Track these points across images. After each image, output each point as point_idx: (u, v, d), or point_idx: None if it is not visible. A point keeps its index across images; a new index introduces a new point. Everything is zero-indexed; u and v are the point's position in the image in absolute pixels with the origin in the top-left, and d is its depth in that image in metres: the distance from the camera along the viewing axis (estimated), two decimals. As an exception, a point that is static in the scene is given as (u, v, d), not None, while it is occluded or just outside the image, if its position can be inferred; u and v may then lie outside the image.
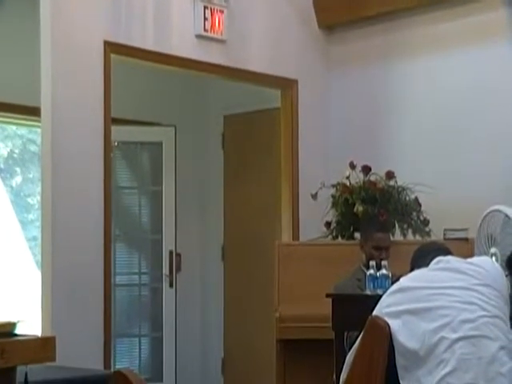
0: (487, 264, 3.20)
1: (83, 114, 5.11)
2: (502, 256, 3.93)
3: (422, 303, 2.98)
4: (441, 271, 3.15)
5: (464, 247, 4.55)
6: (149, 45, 5.45)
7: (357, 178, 5.50)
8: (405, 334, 2.94)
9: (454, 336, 2.87)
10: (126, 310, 6.76)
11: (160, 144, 6.89)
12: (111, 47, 5.23)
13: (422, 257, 3.50)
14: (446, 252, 3.44)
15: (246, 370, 6.77)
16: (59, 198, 4.94)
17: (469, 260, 3.24)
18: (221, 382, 7.02)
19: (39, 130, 5.26)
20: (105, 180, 5.19)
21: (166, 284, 6.77)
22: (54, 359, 3.25)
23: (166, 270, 6.77)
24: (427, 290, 3.02)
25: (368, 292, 4.04)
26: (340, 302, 4.11)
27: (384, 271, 4.01)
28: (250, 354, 6.74)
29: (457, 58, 5.85)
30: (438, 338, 2.88)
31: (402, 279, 3.18)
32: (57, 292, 4.86)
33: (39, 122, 5.15)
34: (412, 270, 3.46)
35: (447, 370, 2.82)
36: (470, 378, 2.81)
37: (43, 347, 3.21)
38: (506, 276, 3.45)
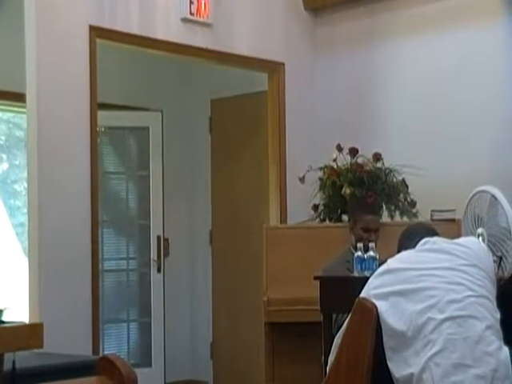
0: (474, 244, 3.20)
1: (69, 100, 5.08)
2: (489, 236, 3.94)
3: (409, 284, 2.98)
4: (427, 252, 3.15)
5: (451, 228, 4.56)
6: (134, 29, 5.41)
7: (344, 160, 5.49)
8: (392, 315, 2.94)
9: (441, 316, 2.87)
10: (114, 295, 6.75)
11: (147, 129, 6.89)
12: (96, 32, 5.20)
13: (408, 238, 3.51)
14: (433, 233, 3.45)
15: (234, 354, 6.78)
16: (45, 184, 4.92)
17: (455, 241, 3.24)
18: (210, 367, 7.04)
19: (25, 116, 5.22)
20: (91, 165, 5.17)
21: (154, 269, 6.78)
22: (41, 346, 3.24)
23: (153, 255, 6.78)
24: (414, 272, 3.03)
25: (356, 274, 4.04)
26: (328, 284, 4.10)
27: (371, 253, 4.01)
28: (238, 338, 6.75)
29: (443, 38, 5.84)
30: (425, 319, 2.88)
31: (389, 261, 3.18)
32: (44, 278, 4.84)
33: (25, 108, 5.11)
34: (399, 251, 3.47)
35: (434, 350, 2.83)
36: (456, 357, 2.82)
37: (31, 334, 3.19)
38: (494, 262, 3.47)
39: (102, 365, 2.36)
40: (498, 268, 3.73)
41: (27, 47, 4.94)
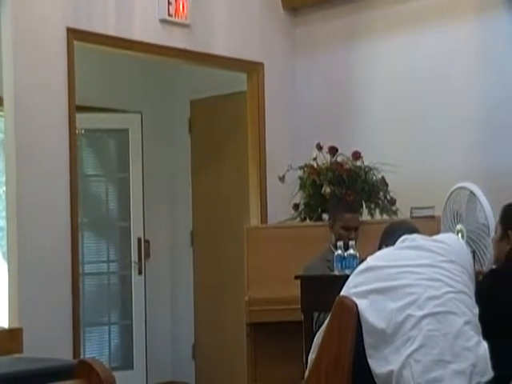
0: (452, 240, 3.22)
1: (47, 103, 5.05)
2: (468, 232, 3.96)
3: (389, 282, 2.99)
4: (406, 249, 3.16)
5: (430, 225, 4.57)
6: (112, 31, 5.39)
7: (324, 159, 5.50)
8: (372, 313, 2.94)
9: (421, 313, 2.88)
10: (95, 298, 6.73)
11: (126, 131, 6.86)
12: (74, 34, 5.18)
13: (389, 236, 3.53)
14: (414, 231, 3.46)
15: (216, 355, 6.76)
16: (24, 188, 4.89)
17: (434, 237, 3.25)
18: (192, 368, 7.02)
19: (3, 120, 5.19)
20: (71, 168, 5.14)
21: (134, 271, 6.76)
22: (21, 351, 3.22)
23: (134, 258, 6.75)
24: (393, 269, 3.03)
25: (336, 272, 4.04)
26: (308, 283, 4.11)
27: (351, 251, 4.02)
28: (220, 338, 6.74)
29: (421, 37, 5.85)
30: (405, 316, 2.89)
31: (368, 258, 3.19)
32: (24, 283, 4.81)
33: (2, 111, 5.08)
34: (380, 248, 3.49)
35: (414, 346, 2.84)
36: (436, 353, 2.82)
37: (10, 339, 3.17)
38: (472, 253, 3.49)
39: (80, 368, 2.34)
40: (474, 262, 3.75)
41: (4, 50, 4.92)
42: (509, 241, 3.48)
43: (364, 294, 2.99)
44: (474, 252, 3.84)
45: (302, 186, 5.49)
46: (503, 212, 3.60)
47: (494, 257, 3.59)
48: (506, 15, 5.48)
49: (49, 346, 4.70)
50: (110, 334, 6.78)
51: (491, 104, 5.51)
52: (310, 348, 3.20)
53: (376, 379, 2.90)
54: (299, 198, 5.54)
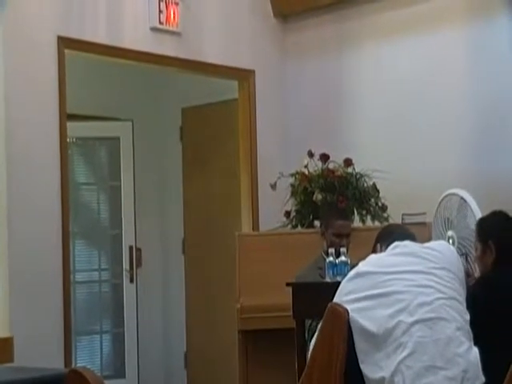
0: (443, 247, 3.23)
1: (38, 111, 5.05)
2: (459, 238, 3.97)
3: (380, 289, 2.99)
4: (398, 256, 3.17)
5: (422, 231, 4.55)
6: (103, 39, 5.40)
7: (315, 166, 5.50)
8: (363, 319, 2.95)
9: (411, 319, 2.88)
10: (87, 307, 6.72)
11: (117, 139, 6.86)
12: (65, 42, 5.18)
13: (386, 235, 3.56)
14: (407, 236, 3.46)
15: (209, 363, 6.75)
16: (15, 197, 4.87)
17: (425, 244, 3.26)
18: (184, 376, 7.01)
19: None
20: (62, 177, 5.14)
21: (126, 279, 6.75)
22: (11, 360, 3.20)
23: (126, 266, 6.75)
24: (384, 276, 3.04)
25: (328, 279, 4.04)
26: (300, 290, 4.09)
27: (343, 258, 4.01)
28: (212, 346, 6.73)
29: (413, 43, 5.87)
30: (396, 323, 2.89)
31: (360, 264, 3.20)
32: (14, 291, 4.79)
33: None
34: (375, 246, 3.50)
35: (405, 353, 2.84)
36: (427, 359, 2.83)
37: (1, 348, 3.15)
38: (462, 255, 3.50)
39: (71, 378, 2.33)
40: (469, 264, 3.77)
41: (-5, 59, 4.91)
42: (491, 252, 3.48)
43: (355, 301, 3.00)
44: (466, 255, 3.84)
45: (294, 194, 5.49)
46: (480, 226, 3.59)
47: (481, 273, 3.59)
48: (496, 19, 5.51)
49: (40, 355, 4.69)
50: (101, 343, 6.77)
51: (483, 109, 5.53)
52: (302, 355, 3.20)
53: (368, 384, 2.91)
54: (291, 205, 5.54)
